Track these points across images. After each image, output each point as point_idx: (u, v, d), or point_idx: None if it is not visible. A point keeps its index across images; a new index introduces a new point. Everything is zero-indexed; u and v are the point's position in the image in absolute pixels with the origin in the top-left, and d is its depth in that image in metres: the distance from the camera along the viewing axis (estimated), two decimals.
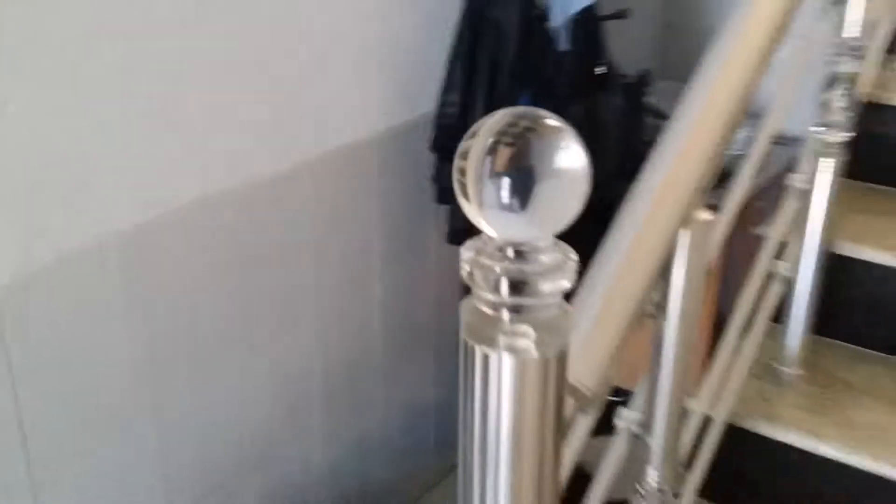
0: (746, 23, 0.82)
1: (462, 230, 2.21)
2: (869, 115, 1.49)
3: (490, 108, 1.99)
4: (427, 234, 2.39)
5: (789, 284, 1.27)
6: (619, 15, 2.26)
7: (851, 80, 1.15)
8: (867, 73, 1.38)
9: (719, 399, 1.19)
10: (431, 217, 2.37)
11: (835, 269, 1.33)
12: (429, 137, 2.18)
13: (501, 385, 0.49)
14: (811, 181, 1.21)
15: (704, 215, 0.72)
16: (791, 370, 1.29)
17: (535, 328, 0.49)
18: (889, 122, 1.50)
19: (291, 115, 1.88)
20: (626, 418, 0.93)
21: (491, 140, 0.45)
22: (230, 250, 1.81)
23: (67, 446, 1.58)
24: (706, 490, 1.25)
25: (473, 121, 1.65)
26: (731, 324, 1.21)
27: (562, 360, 0.50)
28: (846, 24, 1.15)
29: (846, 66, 1.14)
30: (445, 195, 2.26)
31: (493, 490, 0.53)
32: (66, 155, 1.46)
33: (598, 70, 2.16)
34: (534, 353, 0.49)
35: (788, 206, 1.27)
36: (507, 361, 0.49)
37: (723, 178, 1.57)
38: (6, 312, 1.41)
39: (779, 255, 1.29)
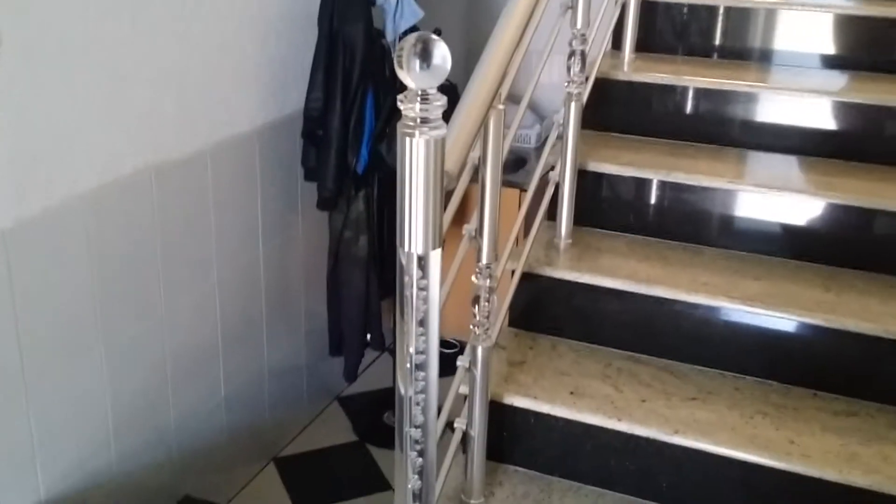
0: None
1: (327, 199, 2.85)
2: (604, 86, 2.28)
3: (345, 102, 2.72)
4: (297, 208, 3.01)
5: (558, 189, 2.01)
6: (436, 33, 2.99)
7: (582, 54, 1.91)
8: (594, 53, 2.16)
9: (521, 258, 1.90)
10: (299, 194, 2.99)
11: (586, 179, 2.09)
12: (299, 129, 2.82)
13: (417, 153, 1.14)
14: (566, 121, 1.96)
15: (500, 107, 1.41)
16: (563, 242, 2.03)
17: (431, 130, 1.14)
18: (614, 90, 2.30)
19: (192, 109, 2.42)
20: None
21: (412, 41, 1.12)
22: (158, 218, 2.34)
23: (47, 359, 2.05)
24: (514, 321, 1.99)
25: (333, 112, 2.56)
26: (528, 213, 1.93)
27: (443, 145, 1.16)
28: (577, 19, 1.90)
29: (577, 45, 1.89)
30: (312, 174, 2.89)
31: (409, 209, 1.17)
32: (44, 131, 1.97)
33: None
34: (431, 138, 1.14)
35: (554, 138, 2.01)
36: (420, 141, 1.14)
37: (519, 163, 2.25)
38: (11, 248, 1.90)
39: (552, 170, 2.02)
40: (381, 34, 2.84)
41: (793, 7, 2.41)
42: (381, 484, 3.00)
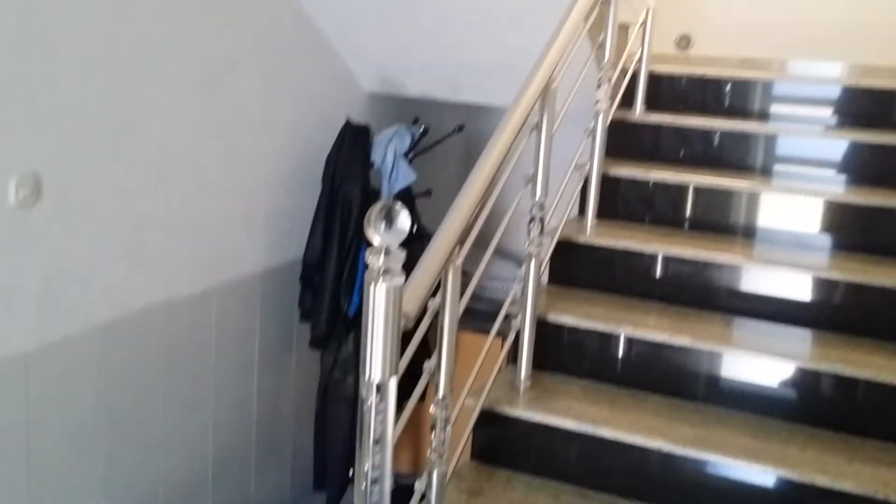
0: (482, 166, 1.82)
1: (319, 338, 3.10)
2: (568, 247, 2.58)
3: (341, 252, 3.02)
4: (291, 347, 3.26)
5: (519, 337, 2.26)
6: (426, 193, 3.34)
7: (541, 220, 2.20)
8: (559, 217, 2.48)
9: (481, 397, 2.13)
10: (294, 334, 3.24)
11: (547, 328, 2.34)
12: (298, 273, 3.11)
13: (378, 298, 1.40)
14: (525, 276, 2.24)
15: (458, 262, 1.68)
16: (523, 384, 2.26)
17: (391, 279, 1.41)
18: (577, 252, 2.59)
19: (204, 252, 2.72)
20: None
21: (378, 208, 1.40)
22: (164, 351, 2.59)
23: (52, 476, 2.25)
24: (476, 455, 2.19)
25: (330, 260, 2.91)
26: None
27: (400, 292, 1.42)
28: (536, 190, 2.20)
29: (536, 212, 2.19)
30: (307, 315, 3.15)
31: (370, 343, 1.41)
32: (70, 267, 2.25)
33: (413, 229, 3.18)
34: (391, 286, 1.40)
35: (517, 290, 2.28)
36: (381, 288, 1.40)
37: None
38: (31, 370, 2.14)
39: (515, 318, 2.28)
40: (378, 193, 3.17)
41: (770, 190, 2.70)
42: None
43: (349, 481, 3.30)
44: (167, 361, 2.59)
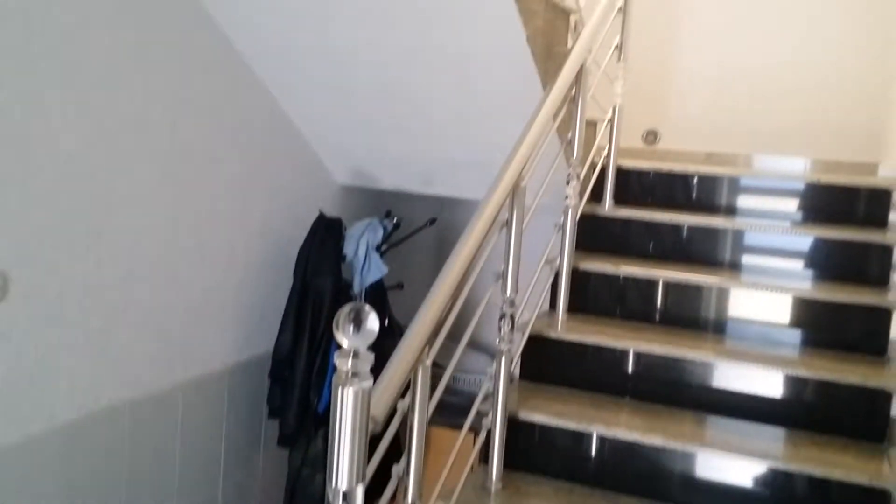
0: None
1: (288, 435, 3.03)
2: (539, 343, 2.57)
3: (311, 346, 2.98)
4: (259, 445, 3.18)
5: (490, 436, 2.23)
6: (398, 286, 3.34)
7: (511, 317, 2.20)
8: (529, 312, 2.47)
9: (452, 499, 2.08)
10: (262, 431, 3.17)
11: (518, 427, 2.31)
12: (268, 368, 3.06)
13: (346, 402, 1.38)
14: (496, 374, 2.21)
15: (427, 362, 1.66)
16: (494, 486, 2.21)
17: (360, 382, 1.39)
18: (548, 347, 2.58)
19: (172, 348, 2.68)
20: None
21: (347, 310, 1.39)
22: (127, 451, 2.52)
23: None
24: None
25: (300, 355, 2.87)
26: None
27: (368, 395, 1.40)
28: (506, 287, 2.21)
29: (506, 309, 2.19)
30: (276, 412, 3.09)
31: (337, 449, 1.38)
32: (33, 365, 2.21)
33: (385, 322, 3.17)
34: (360, 389, 1.38)
35: (488, 388, 2.26)
36: (350, 391, 1.38)
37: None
38: None
39: (485, 416, 2.25)
40: (350, 286, 3.16)
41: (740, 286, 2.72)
42: None
43: None
44: (130, 461, 2.52)
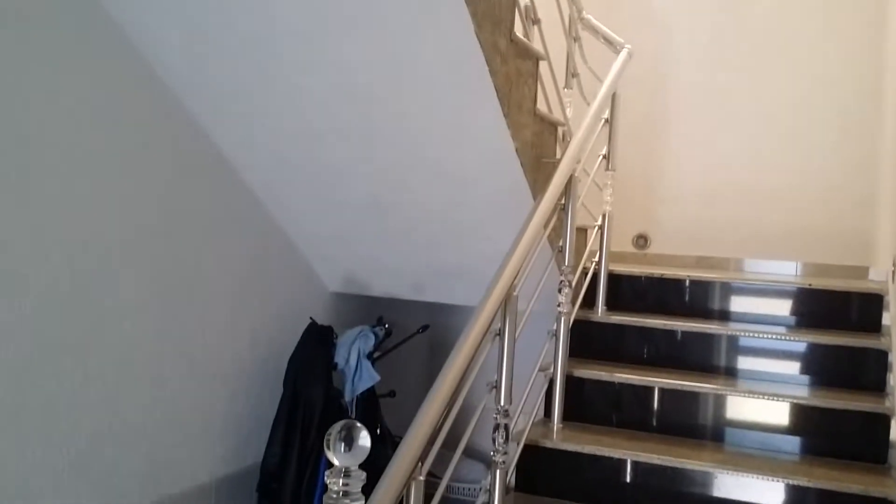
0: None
1: None
2: (534, 452, 2.52)
3: (301, 458, 2.92)
4: None
5: None
6: (390, 394, 3.29)
7: (505, 427, 2.17)
8: (524, 421, 2.44)
9: None
10: None
11: None
12: (256, 481, 2.99)
13: None
14: (492, 486, 2.17)
15: (420, 478, 1.63)
16: None
17: (350, 501, 1.36)
18: (543, 457, 2.53)
19: (158, 463, 2.60)
20: None
21: (338, 428, 1.37)
22: None
23: None
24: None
25: (289, 466, 2.81)
26: None
27: None
28: (500, 397, 2.18)
29: (500, 419, 2.16)
30: None
31: None
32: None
33: (377, 430, 3.11)
34: None
35: (482, 501, 2.20)
36: None
37: None
38: None
39: None
40: (341, 394, 3.12)
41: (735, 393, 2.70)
42: None
43: None
44: None
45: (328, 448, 1.36)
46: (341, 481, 1.35)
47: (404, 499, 1.63)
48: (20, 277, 2.09)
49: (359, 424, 1.38)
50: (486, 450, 2.30)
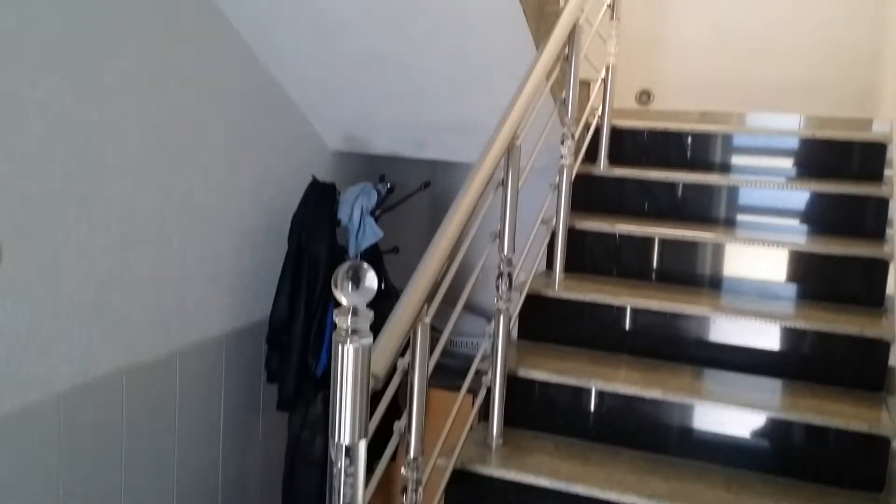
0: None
1: (287, 400, 3.04)
2: (537, 302, 2.57)
3: (308, 311, 2.98)
4: (258, 409, 3.19)
5: (490, 394, 2.24)
6: (394, 250, 3.33)
7: (509, 275, 2.20)
8: (527, 272, 2.47)
9: (453, 456, 2.10)
10: (261, 396, 3.18)
11: (518, 384, 2.32)
12: (265, 334, 3.06)
13: (347, 359, 1.38)
14: (495, 332, 2.22)
15: (426, 320, 1.67)
16: (495, 442, 2.23)
17: (360, 339, 1.39)
18: (546, 306, 2.59)
19: (167, 315, 2.66)
20: None
21: (345, 268, 1.39)
22: (125, 418, 2.51)
23: None
24: None
25: (297, 320, 2.86)
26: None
27: (369, 351, 1.40)
28: (503, 246, 2.20)
29: (504, 268, 2.19)
30: (274, 376, 3.10)
31: (339, 405, 1.39)
32: (29, 334, 2.20)
33: (381, 286, 3.16)
34: (360, 346, 1.38)
35: (486, 347, 2.27)
36: (350, 348, 1.38)
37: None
38: None
39: (485, 375, 2.26)
40: (345, 250, 3.15)
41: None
42: None
43: None
44: (128, 429, 2.52)
45: (336, 287, 1.38)
46: (349, 319, 1.37)
47: (411, 340, 1.68)
48: (21, 132, 2.07)
49: (365, 265, 1.40)
50: (488, 306, 2.35)
